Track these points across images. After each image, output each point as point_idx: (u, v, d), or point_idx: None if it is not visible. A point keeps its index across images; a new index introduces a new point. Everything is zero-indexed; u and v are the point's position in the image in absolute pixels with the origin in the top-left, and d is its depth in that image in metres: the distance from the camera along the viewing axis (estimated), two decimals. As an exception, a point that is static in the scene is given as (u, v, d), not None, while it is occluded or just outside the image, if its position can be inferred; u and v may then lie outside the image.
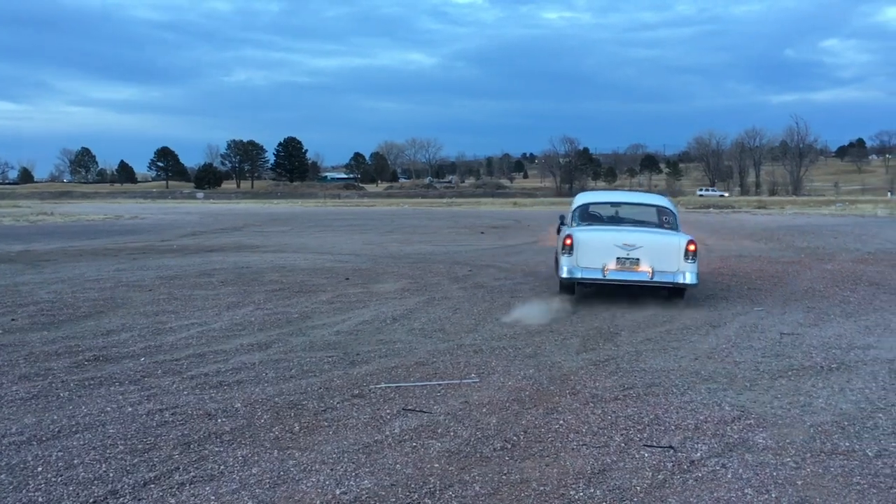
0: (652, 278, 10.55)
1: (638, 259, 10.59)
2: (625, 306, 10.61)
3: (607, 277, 10.64)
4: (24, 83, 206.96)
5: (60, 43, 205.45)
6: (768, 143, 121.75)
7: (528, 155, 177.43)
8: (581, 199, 12.84)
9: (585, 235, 11.05)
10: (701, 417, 5.75)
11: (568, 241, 10.87)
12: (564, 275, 10.86)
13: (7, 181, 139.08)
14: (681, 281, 10.57)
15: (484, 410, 5.97)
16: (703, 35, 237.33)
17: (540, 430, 5.48)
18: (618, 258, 10.62)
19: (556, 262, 11.89)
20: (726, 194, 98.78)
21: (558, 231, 12.65)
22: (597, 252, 10.72)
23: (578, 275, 10.76)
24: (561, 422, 5.67)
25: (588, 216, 12.21)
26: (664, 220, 12.18)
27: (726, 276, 14.17)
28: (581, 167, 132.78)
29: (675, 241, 10.87)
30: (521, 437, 5.34)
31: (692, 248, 10.68)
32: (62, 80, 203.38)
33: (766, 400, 6.22)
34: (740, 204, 61.18)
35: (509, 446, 5.17)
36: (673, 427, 5.55)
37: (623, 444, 5.18)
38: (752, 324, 9.48)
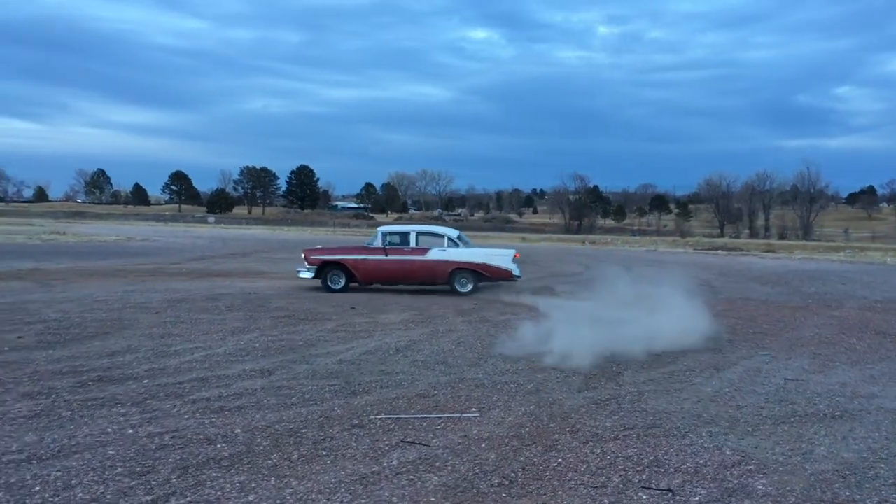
0: None
1: None
2: (628, 346, 10.58)
3: None
4: (44, 104, 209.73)
5: (81, 65, 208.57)
6: (779, 187, 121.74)
7: (538, 190, 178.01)
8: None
9: None
10: (701, 461, 5.73)
11: None
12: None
13: (22, 199, 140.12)
14: None
15: (483, 445, 5.96)
16: (717, 78, 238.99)
17: (538, 468, 5.47)
18: None
19: None
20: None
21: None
22: None
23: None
24: (560, 460, 5.66)
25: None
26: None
27: (732, 319, 14.13)
28: (590, 204, 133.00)
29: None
30: (519, 474, 5.33)
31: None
32: (81, 102, 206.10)
33: (768, 446, 6.19)
34: (749, 247, 61.02)
35: (507, 483, 5.16)
36: (672, 470, 5.53)
37: (621, 486, 5.17)
38: (757, 368, 9.45)
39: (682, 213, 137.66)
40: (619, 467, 5.53)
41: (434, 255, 17.91)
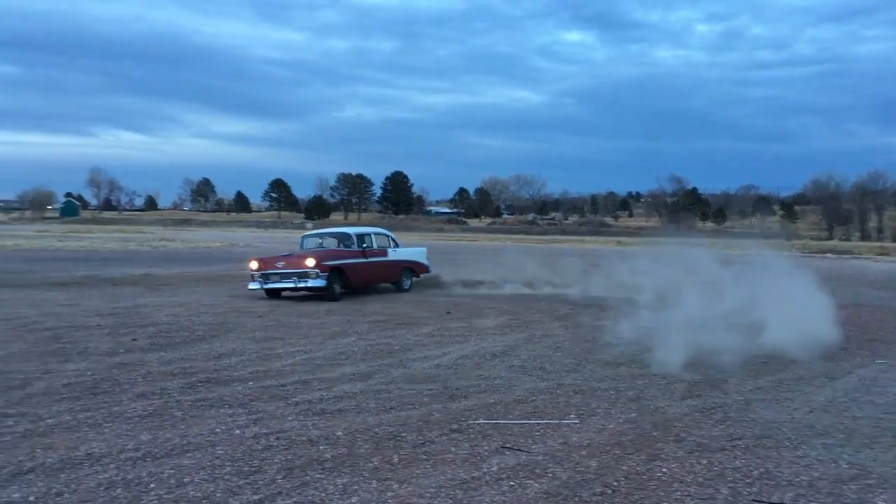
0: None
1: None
2: (733, 352, 10.22)
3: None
4: (154, 116, 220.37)
5: (188, 79, 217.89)
6: (893, 187, 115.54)
7: (633, 193, 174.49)
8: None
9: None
10: (815, 474, 5.46)
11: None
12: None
13: (134, 208, 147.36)
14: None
15: (583, 453, 5.86)
16: (824, 74, 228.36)
17: (642, 478, 5.33)
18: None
19: None
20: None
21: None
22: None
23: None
24: (664, 470, 5.50)
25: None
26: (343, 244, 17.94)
27: (844, 325, 13.46)
28: (689, 207, 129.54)
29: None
30: (622, 483, 5.21)
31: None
32: (187, 114, 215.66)
33: (888, 459, 5.84)
34: (860, 250, 58.13)
35: (609, 492, 5.05)
36: (785, 482, 5.29)
37: (730, 498, 4.98)
38: (873, 377, 8.96)
39: (787, 214, 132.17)
40: (728, 479, 5.33)
41: (391, 255, 18.78)
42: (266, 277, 16.56)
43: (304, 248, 18.34)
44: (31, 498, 4.75)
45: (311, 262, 16.26)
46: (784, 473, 5.47)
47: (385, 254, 18.50)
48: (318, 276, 16.13)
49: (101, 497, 4.78)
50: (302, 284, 16.23)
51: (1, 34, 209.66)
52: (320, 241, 18.95)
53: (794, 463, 5.71)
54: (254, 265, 16.76)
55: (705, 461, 5.71)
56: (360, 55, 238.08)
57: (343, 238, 18.38)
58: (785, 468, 5.59)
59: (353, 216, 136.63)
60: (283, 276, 16.44)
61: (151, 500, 4.74)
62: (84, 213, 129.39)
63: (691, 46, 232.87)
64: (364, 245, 18.12)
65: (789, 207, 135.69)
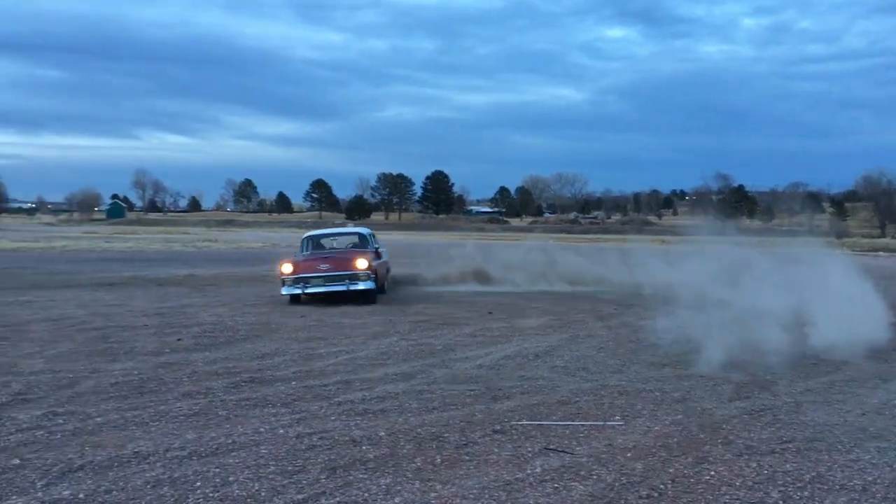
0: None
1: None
2: (782, 355, 10.01)
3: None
4: (198, 118, 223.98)
5: (231, 81, 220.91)
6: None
7: (678, 191, 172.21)
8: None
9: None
10: (869, 478, 5.30)
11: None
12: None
13: (178, 209, 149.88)
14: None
15: (629, 455, 5.77)
16: (875, 68, 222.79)
17: (689, 481, 5.23)
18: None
19: None
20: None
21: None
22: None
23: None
24: (712, 472, 5.39)
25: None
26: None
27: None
28: (735, 205, 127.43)
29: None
30: (669, 487, 5.11)
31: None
32: (230, 116, 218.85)
33: (946, 464, 5.65)
34: (913, 247, 56.60)
35: (655, 495, 4.96)
36: (838, 487, 5.14)
37: (781, 503, 4.85)
38: (929, 379, 8.68)
39: (837, 212, 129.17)
40: (778, 482, 5.20)
41: (384, 255, 18.64)
42: (305, 282, 15.42)
43: (315, 249, 17.52)
44: (81, 495, 4.83)
45: (363, 263, 15.68)
46: (837, 477, 5.32)
47: (381, 255, 18.18)
48: (368, 278, 15.59)
49: (148, 495, 4.84)
50: (353, 287, 15.51)
51: (49, 39, 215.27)
52: (333, 241, 18.55)
53: (847, 467, 5.55)
54: (287, 269, 15.58)
55: (755, 464, 5.58)
56: (401, 55, 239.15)
57: (361, 238, 18.07)
58: (837, 472, 5.43)
59: (393, 216, 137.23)
60: (329, 280, 15.51)
61: (197, 499, 4.79)
62: (130, 215, 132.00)
63: (737, 41, 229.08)
64: (376, 245, 18.05)
65: (839, 204, 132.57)
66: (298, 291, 15.35)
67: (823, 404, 7.42)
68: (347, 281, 15.50)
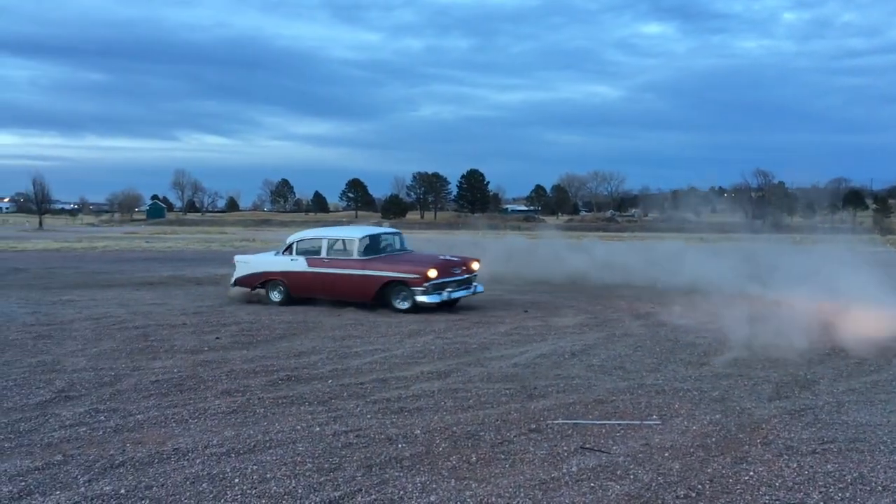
0: None
1: None
2: (824, 353, 9.83)
3: None
4: (235, 119, 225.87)
5: (267, 82, 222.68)
6: None
7: (716, 188, 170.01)
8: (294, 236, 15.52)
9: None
10: (914, 480, 5.19)
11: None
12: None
13: (216, 209, 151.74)
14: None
15: (666, 455, 5.71)
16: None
17: (728, 481, 5.17)
18: None
19: None
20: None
21: None
22: None
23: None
24: (751, 473, 5.31)
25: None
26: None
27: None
28: (775, 202, 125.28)
29: None
30: (707, 487, 5.05)
31: None
32: (267, 117, 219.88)
33: None
34: (960, 244, 55.17)
35: (693, 495, 4.91)
36: (880, 488, 5.04)
37: (822, 503, 4.77)
38: (977, 379, 8.47)
39: (881, 208, 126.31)
40: (819, 483, 5.12)
41: None
42: (442, 287, 13.70)
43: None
44: (122, 491, 4.92)
45: (477, 265, 14.80)
46: (879, 478, 5.22)
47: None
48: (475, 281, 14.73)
49: (187, 491, 4.92)
50: (477, 291, 14.67)
51: (90, 43, 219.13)
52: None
53: (890, 467, 5.45)
54: (433, 273, 13.57)
55: (795, 465, 5.49)
56: (436, 54, 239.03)
57: (399, 238, 16.08)
58: (880, 473, 5.33)
59: (429, 215, 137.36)
60: (460, 284, 14.20)
61: (235, 495, 4.85)
62: (169, 215, 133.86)
63: (778, 36, 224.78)
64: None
65: (883, 201, 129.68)
66: (438, 300, 13.59)
67: (866, 404, 7.28)
68: (474, 285, 14.62)
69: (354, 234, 14.89)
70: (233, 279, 15.85)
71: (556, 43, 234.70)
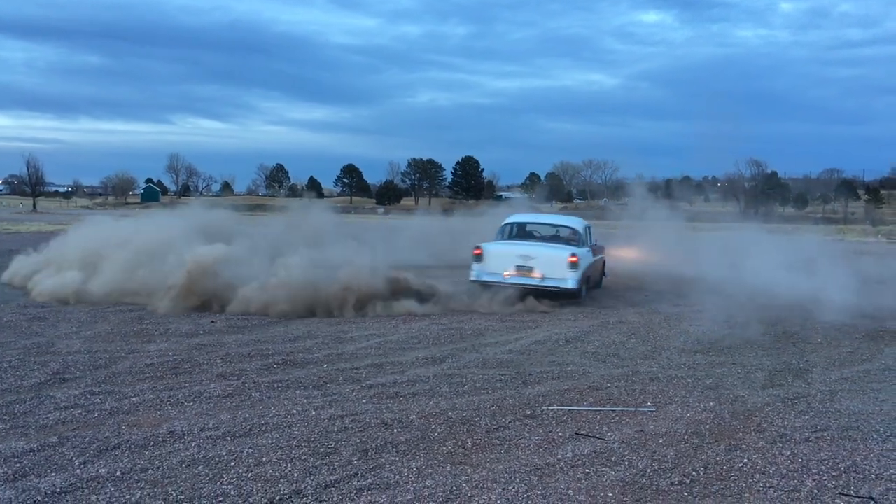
0: (542, 282, 12.54)
1: (531, 267, 12.54)
2: (817, 342, 9.89)
3: (507, 281, 12.60)
4: (231, 104, 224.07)
5: (265, 67, 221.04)
6: None
7: (709, 178, 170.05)
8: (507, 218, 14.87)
9: (493, 248, 13.14)
10: (906, 469, 5.23)
11: (477, 252, 13.06)
12: (472, 278, 13.04)
13: (211, 193, 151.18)
14: (564, 286, 12.55)
15: (660, 441, 5.74)
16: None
17: (722, 468, 5.20)
18: (517, 266, 12.65)
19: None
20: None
21: None
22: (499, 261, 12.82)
23: (484, 278, 12.86)
24: (745, 460, 5.35)
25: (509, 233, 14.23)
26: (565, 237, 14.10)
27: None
28: (768, 191, 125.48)
29: (562, 254, 12.83)
30: (701, 473, 5.08)
31: (573, 259, 12.64)
32: (264, 101, 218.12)
33: None
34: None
35: (688, 481, 4.94)
36: (873, 476, 5.08)
37: (815, 491, 4.81)
38: (969, 369, 8.52)
39: (872, 199, 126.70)
40: (813, 471, 5.15)
41: None
42: None
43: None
44: (118, 473, 4.92)
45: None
46: (872, 466, 5.26)
47: None
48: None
49: (183, 473, 4.92)
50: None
51: (87, 26, 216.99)
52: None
53: (883, 456, 5.49)
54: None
55: (788, 452, 5.53)
56: (434, 40, 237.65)
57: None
58: (873, 461, 5.37)
59: (423, 201, 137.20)
60: None
61: (231, 478, 4.85)
62: (164, 199, 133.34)
63: (775, 25, 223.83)
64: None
65: (875, 192, 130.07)
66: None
67: (859, 393, 7.33)
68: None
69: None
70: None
71: (553, 30, 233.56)
